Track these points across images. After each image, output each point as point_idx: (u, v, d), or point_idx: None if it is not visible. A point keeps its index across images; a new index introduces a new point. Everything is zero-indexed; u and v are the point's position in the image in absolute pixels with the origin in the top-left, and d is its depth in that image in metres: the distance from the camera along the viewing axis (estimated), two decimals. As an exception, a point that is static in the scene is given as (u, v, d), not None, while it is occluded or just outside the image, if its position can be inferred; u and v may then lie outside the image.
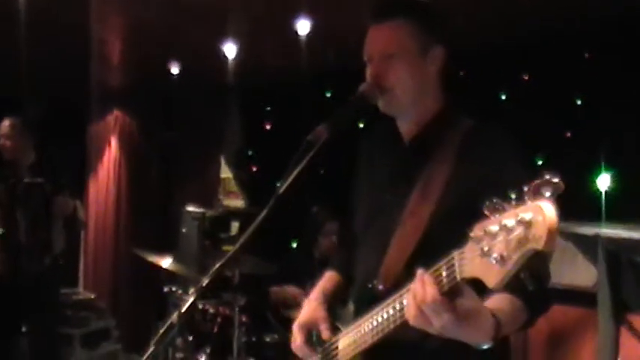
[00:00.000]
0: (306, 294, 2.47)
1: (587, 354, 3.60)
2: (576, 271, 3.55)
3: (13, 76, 7.12)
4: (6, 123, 5.45)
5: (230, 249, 2.13)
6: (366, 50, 2.24)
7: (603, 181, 5.23)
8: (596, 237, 2.22)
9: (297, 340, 2.30)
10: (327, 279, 2.53)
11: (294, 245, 7.34)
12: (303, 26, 6.01)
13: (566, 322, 3.70)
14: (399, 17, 2.19)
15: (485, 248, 1.50)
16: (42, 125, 6.01)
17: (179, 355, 5.16)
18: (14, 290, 5.34)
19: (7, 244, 5.33)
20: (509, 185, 1.50)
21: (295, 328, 2.33)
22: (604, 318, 2.28)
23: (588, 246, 2.35)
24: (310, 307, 2.36)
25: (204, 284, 2.04)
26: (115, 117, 9.05)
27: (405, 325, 1.85)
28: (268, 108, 8.36)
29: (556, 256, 3.51)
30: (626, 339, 2.44)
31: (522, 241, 1.42)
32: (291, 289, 5.96)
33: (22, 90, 7.28)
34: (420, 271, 1.74)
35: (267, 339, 5.47)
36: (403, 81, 2.17)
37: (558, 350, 3.81)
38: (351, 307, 2.24)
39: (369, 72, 2.20)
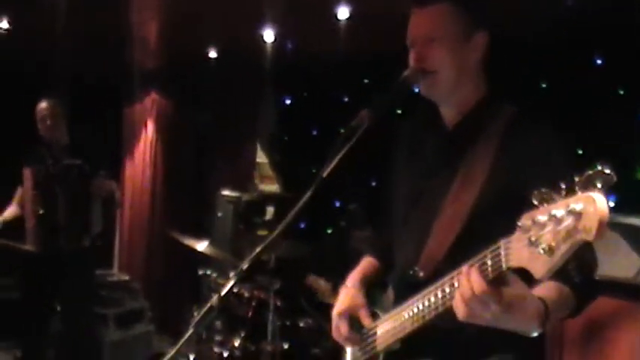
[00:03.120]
0: (335, 290, 2.46)
1: (624, 346, 3.57)
2: (618, 262, 3.51)
3: (51, 57, 7.17)
4: (43, 104, 5.49)
5: (265, 233, 2.14)
6: (409, 35, 2.23)
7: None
8: (645, 228, 2.20)
9: (340, 329, 2.30)
10: (365, 264, 2.53)
11: (329, 232, 7.33)
12: (342, 12, 5.99)
13: (603, 313, 3.66)
14: (443, 1, 2.18)
15: (533, 238, 1.49)
16: (80, 107, 6.05)
17: (217, 337, 5.18)
18: (52, 269, 5.40)
19: (47, 224, 5.39)
20: (554, 175, 1.49)
21: (335, 316, 2.33)
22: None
23: (636, 237, 2.33)
24: (349, 295, 2.36)
25: (244, 268, 2.04)
26: (152, 99, 9.08)
27: (446, 313, 1.85)
28: (305, 93, 8.34)
29: (597, 245, 3.49)
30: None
31: (572, 232, 1.41)
32: (323, 284, 5.97)
33: (60, 71, 7.33)
34: (464, 266, 1.73)
35: (301, 323, 5.48)
36: (445, 64, 2.16)
37: (594, 342, 3.78)
38: (390, 293, 2.24)
39: (411, 56, 2.19)
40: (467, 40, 2.19)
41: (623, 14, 5.29)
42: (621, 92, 5.44)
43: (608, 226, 2.95)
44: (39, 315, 5.62)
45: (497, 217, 1.63)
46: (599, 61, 5.74)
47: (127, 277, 7.76)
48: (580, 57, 5.70)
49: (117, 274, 8.20)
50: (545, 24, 5.71)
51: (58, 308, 5.78)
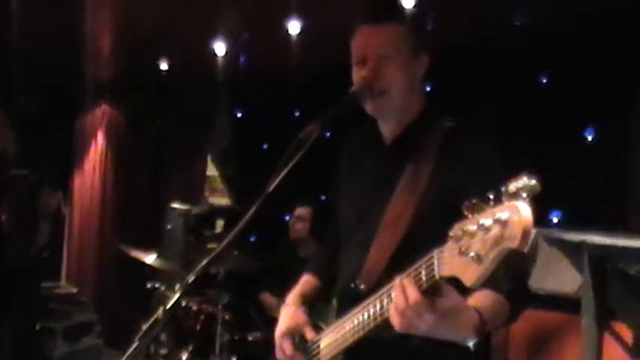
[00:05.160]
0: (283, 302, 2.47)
1: (569, 358, 3.62)
2: (560, 277, 3.56)
3: (2, 65, 7.09)
4: None
5: (215, 246, 2.14)
6: (358, 51, 2.24)
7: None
8: (582, 243, 2.24)
9: (284, 349, 2.30)
10: (303, 283, 2.55)
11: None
12: (293, 26, 6.02)
13: (549, 327, 3.71)
14: (396, 21, 2.21)
15: (464, 247, 1.55)
16: (28, 117, 5.99)
17: (162, 350, 5.15)
18: (-3, 283, 5.32)
19: (-9, 235, 5.31)
20: (488, 185, 1.54)
21: (278, 336, 2.33)
22: (588, 325, 2.30)
23: (574, 252, 2.37)
24: (289, 313, 2.37)
25: (190, 281, 2.04)
26: (102, 110, 9.02)
27: (385, 324, 1.87)
28: (256, 107, 8.35)
29: (540, 262, 3.53)
30: (610, 346, 2.45)
31: (499, 240, 1.47)
32: (274, 300, 6.00)
33: (10, 80, 7.24)
34: (398, 278, 1.77)
35: (250, 337, 5.48)
36: (397, 84, 2.19)
37: (539, 354, 3.82)
38: (335, 305, 2.25)
39: (360, 73, 2.21)
40: (415, 60, 2.23)
41: (570, 33, 5.40)
42: (566, 109, 5.53)
43: (546, 241, 3.00)
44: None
45: (435, 228, 1.66)
46: (544, 80, 5.86)
47: (74, 290, 7.66)
48: (526, 74, 5.80)
49: (65, 286, 8.08)
50: (493, 40, 5.81)
51: (5, 321, 5.68)
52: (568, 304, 3.43)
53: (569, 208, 5.35)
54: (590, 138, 5.58)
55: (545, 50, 5.62)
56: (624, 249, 2.11)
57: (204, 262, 2.05)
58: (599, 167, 5.29)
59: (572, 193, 5.19)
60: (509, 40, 5.71)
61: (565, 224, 5.27)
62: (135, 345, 1.97)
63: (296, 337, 2.30)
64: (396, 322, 1.76)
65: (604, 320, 2.31)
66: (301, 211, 6.37)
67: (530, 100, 5.69)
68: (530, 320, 3.75)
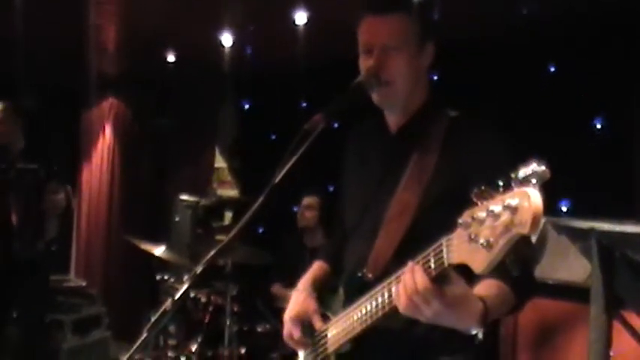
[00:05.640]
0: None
1: (577, 349, 3.62)
2: (568, 266, 3.56)
3: (8, 61, 7.10)
4: None
5: (223, 238, 2.14)
6: (365, 41, 2.24)
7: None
8: (590, 230, 2.24)
9: (292, 333, 2.32)
10: (315, 269, 2.56)
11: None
12: (300, 17, 6.01)
13: (557, 316, 3.72)
14: (402, 11, 2.21)
15: (473, 234, 1.55)
16: (36, 111, 5.99)
17: (172, 341, 5.17)
18: (6, 276, 5.33)
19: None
20: (492, 174, 1.53)
21: (287, 321, 2.35)
22: (597, 313, 2.28)
23: (582, 240, 2.36)
24: (299, 299, 2.38)
25: (198, 272, 2.05)
26: (109, 104, 9.05)
27: (392, 313, 1.88)
28: (263, 98, 8.34)
29: (548, 251, 3.53)
30: (619, 334, 2.45)
31: (508, 227, 1.47)
32: (278, 289, 6.01)
33: (16, 75, 7.25)
34: (410, 263, 1.77)
35: (259, 328, 5.49)
36: (403, 74, 2.19)
37: (547, 344, 3.82)
38: (342, 295, 2.26)
39: (367, 63, 2.21)
40: (420, 50, 2.23)
41: (578, 24, 5.39)
42: (575, 99, 5.51)
43: (554, 228, 2.99)
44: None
45: (441, 216, 1.66)
46: (552, 69, 5.84)
47: (83, 283, 7.68)
48: (534, 65, 5.78)
49: (73, 279, 8.11)
50: (501, 30, 5.80)
51: (14, 315, 5.70)
52: (576, 293, 3.43)
53: (577, 198, 5.34)
54: (598, 126, 5.57)
55: (554, 40, 5.60)
56: (634, 236, 2.10)
57: (213, 253, 2.06)
58: (608, 156, 5.28)
59: (580, 182, 5.19)
60: (517, 31, 5.69)
61: (574, 213, 5.26)
62: (144, 336, 1.98)
63: (305, 323, 2.30)
64: (402, 304, 1.78)
65: (613, 308, 2.31)
66: (309, 200, 6.39)
67: (538, 90, 5.67)
68: (538, 310, 3.76)
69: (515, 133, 2.23)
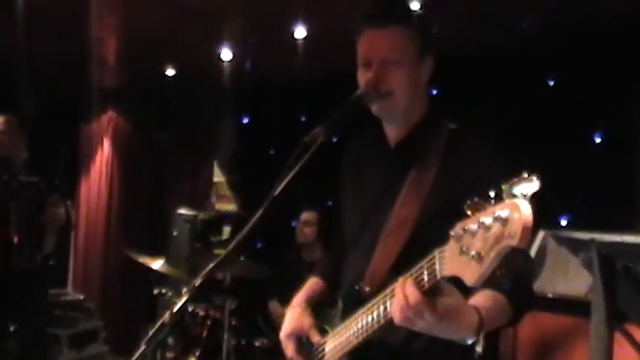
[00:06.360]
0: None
1: (577, 363, 3.61)
2: (568, 280, 3.55)
3: (9, 74, 7.12)
4: (1, 120, 5.44)
5: (221, 252, 2.13)
6: (364, 54, 2.23)
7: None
8: (591, 241, 2.23)
9: (288, 350, 2.31)
10: (310, 285, 2.55)
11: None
12: (299, 31, 6.02)
13: (557, 330, 3.71)
14: (402, 24, 2.20)
15: (465, 246, 1.55)
16: (36, 123, 6.00)
17: (170, 354, 5.15)
18: (4, 288, 5.32)
19: (-1, 241, 5.31)
20: (490, 185, 1.53)
21: (283, 338, 2.34)
22: (598, 324, 2.28)
23: (583, 251, 2.36)
24: (294, 315, 2.37)
25: (196, 285, 2.04)
26: (108, 117, 9.05)
27: (389, 326, 1.88)
28: (262, 112, 8.35)
29: (548, 265, 3.52)
30: (621, 347, 2.44)
31: (499, 238, 1.46)
32: (275, 307, 6.00)
33: (17, 88, 7.26)
34: (400, 277, 1.77)
35: (257, 343, 5.47)
36: (402, 87, 2.19)
37: (547, 358, 3.81)
38: (340, 308, 2.25)
39: (367, 75, 2.20)
40: (420, 64, 2.23)
41: (576, 38, 5.40)
42: (573, 112, 5.53)
43: (555, 240, 2.98)
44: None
45: (439, 230, 1.66)
46: (551, 83, 5.86)
47: (81, 297, 7.67)
48: (533, 77, 5.80)
49: (71, 293, 8.10)
50: (500, 43, 5.82)
51: (12, 328, 5.69)
52: (576, 307, 3.42)
53: (577, 212, 5.35)
54: (598, 140, 5.58)
55: (553, 53, 5.62)
56: (634, 246, 2.10)
57: (212, 265, 2.06)
58: (607, 170, 5.28)
59: (580, 197, 5.19)
60: (516, 44, 5.71)
61: (573, 228, 5.26)
62: (142, 348, 1.97)
63: (302, 339, 2.30)
64: (396, 317, 1.77)
65: (614, 320, 2.30)
66: (307, 216, 6.39)
67: (537, 103, 5.68)
68: (537, 324, 3.75)
69: (513, 147, 2.23)
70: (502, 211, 1.46)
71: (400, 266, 1.87)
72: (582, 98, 5.45)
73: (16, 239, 5.29)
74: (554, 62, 5.73)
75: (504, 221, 1.45)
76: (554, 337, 3.71)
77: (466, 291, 1.77)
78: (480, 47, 5.93)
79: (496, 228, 1.46)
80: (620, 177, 5.22)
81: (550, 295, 3.61)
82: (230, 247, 2.10)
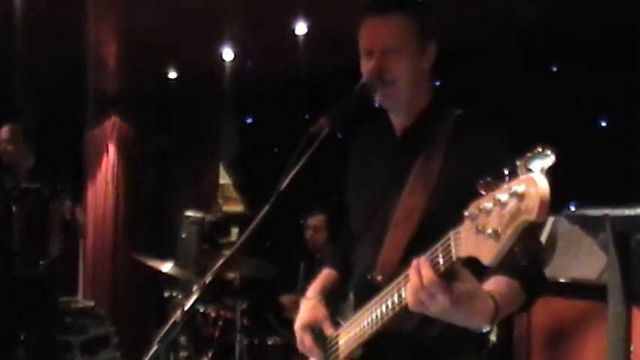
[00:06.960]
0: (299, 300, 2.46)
1: (592, 348, 3.58)
2: (580, 264, 3.53)
3: (12, 81, 7.12)
4: (6, 128, 5.47)
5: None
6: (365, 43, 2.22)
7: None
8: (604, 217, 2.21)
9: (304, 341, 2.29)
10: (324, 276, 2.54)
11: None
12: (300, 27, 6.01)
13: (570, 315, 3.68)
14: (402, 12, 2.19)
15: (480, 225, 1.50)
16: (40, 131, 6.00)
17: (183, 354, 5.15)
18: (10, 296, 5.32)
19: (1, 248, 5.31)
20: (500, 166, 1.50)
21: (298, 329, 2.33)
22: (615, 302, 2.26)
23: (596, 229, 2.34)
24: (309, 306, 2.35)
25: (207, 282, 2.03)
26: (112, 122, 9.05)
27: (403, 315, 1.85)
28: (266, 112, 8.34)
29: (559, 249, 3.49)
30: (638, 324, 2.41)
31: (516, 214, 1.43)
32: (287, 299, 5.99)
33: (20, 95, 7.27)
34: (415, 260, 1.74)
35: (269, 342, 5.46)
36: (404, 75, 2.18)
37: (562, 344, 3.79)
38: (352, 300, 2.24)
39: (369, 64, 2.19)
40: (422, 51, 2.21)
41: (580, 25, 5.40)
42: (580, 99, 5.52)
43: (567, 219, 2.96)
44: (2, 344, 5.52)
45: (448, 215, 1.63)
46: (554, 69, 5.85)
47: (92, 303, 7.68)
48: (538, 64, 5.79)
49: (81, 300, 8.11)
50: (506, 30, 5.81)
51: (22, 337, 5.68)
52: (590, 291, 3.41)
53: (584, 199, 5.32)
54: (603, 124, 5.57)
55: (556, 40, 5.60)
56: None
57: (222, 261, 2.04)
58: (614, 156, 5.26)
59: (586, 183, 5.17)
60: (520, 32, 5.69)
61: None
62: (154, 348, 1.96)
63: (315, 330, 2.28)
64: (409, 300, 1.74)
65: (631, 298, 2.28)
66: (315, 221, 6.38)
67: (543, 90, 5.67)
68: (551, 310, 3.73)
69: (518, 134, 2.21)
70: (518, 186, 1.42)
71: (411, 255, 1.85)
72: (587, 85, 5.44)
73: (18, 245, 5.30)
74: (557, 49, 5.71)
75: (521, 196, 1.41)
76: (568, 322, 3.69)
77: (479, 276, 1.74)
78: (483, 37, 5.91)
79: (512, 204, 1.43)
80: (626, 162, 5.20)
81: (562, 280, 3.60)
82: (239, 241, 2.09)
